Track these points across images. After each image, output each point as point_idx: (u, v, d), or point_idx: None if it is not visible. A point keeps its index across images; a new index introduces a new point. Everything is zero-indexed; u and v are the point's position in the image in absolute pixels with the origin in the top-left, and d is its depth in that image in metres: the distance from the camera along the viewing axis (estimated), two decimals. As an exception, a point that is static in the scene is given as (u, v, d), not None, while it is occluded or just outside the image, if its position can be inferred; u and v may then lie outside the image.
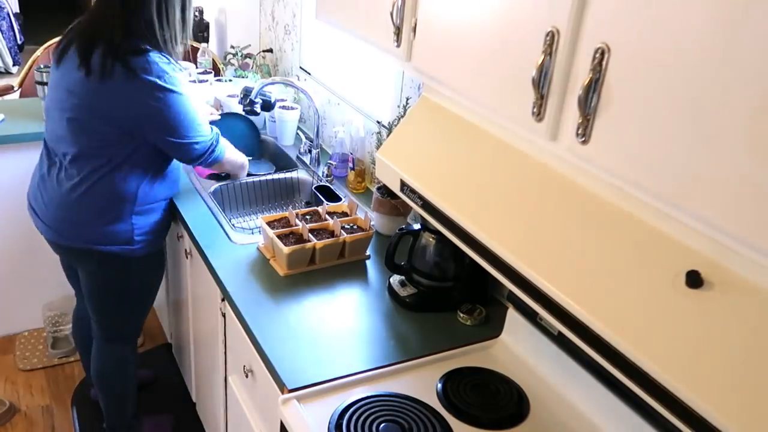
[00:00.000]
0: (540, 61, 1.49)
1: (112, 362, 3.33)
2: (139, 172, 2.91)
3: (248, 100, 3.57)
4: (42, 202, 3.01)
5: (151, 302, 3.35)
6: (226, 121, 3.65)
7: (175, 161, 3.06)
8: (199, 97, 3.04)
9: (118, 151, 2.83)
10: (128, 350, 3.34)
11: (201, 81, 4.33)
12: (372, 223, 2.94)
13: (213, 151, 3.01)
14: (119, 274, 3.09)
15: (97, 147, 2.82)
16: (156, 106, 2.75)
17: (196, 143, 2.92)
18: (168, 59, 2.80)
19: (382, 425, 1.99)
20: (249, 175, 3.46)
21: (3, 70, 4.83)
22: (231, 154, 3.18)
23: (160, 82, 2.72)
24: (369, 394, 2.12)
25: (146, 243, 3.05)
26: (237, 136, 3.67)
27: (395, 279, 2.65)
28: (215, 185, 3.37)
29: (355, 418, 2.02)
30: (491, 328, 2.48)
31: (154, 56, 2.74)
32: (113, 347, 3.31)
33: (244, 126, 3.81)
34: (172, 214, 3.24)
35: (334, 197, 3.31)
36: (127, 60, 2.70)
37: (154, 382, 4.08)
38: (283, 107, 3.93)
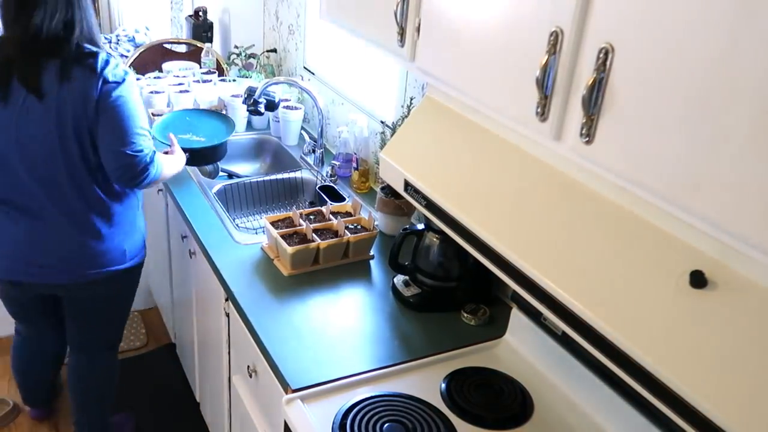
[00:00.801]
0: (544, 61, 1.48)
1: (109, 372, 3.33)
2: None
3: (252, 100, 3.57)
4: (41, 252, 2.83)
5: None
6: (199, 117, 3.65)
7: None
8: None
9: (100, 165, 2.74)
10: (115, 354, 3.35)
11: (205, 81, 4.33)
12: (376, 223, 2.94)
13: (146, 169, 2.71)
14: (126, 286, 3.10)
15: (91, 169, 2.72)
16: (106, 105, 2.62)
17: (129, 156, 2.66)
18: (115, 57, 2.72)
19: (386, 425, 1.99)
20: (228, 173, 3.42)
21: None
22: (168, 167, 2.92)
23: (114, 79, 2.63)
24: (373, 394, 2.12)
25: (145, 247, 3.09)
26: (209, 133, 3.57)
27: (399, 279, 2.65)
28: (219, 185, 3.38)
29: (358, 418, 2.02)
30: (495, 328, 2.47)
31: (106, 55, 2.67)
32: (108, 356, 3.30)
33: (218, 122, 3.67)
34: (168, 208, 3.25)
35: (338, 197, 3.31)
36: (82, 60, 2.61)
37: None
38: (287, 107, 3.92)
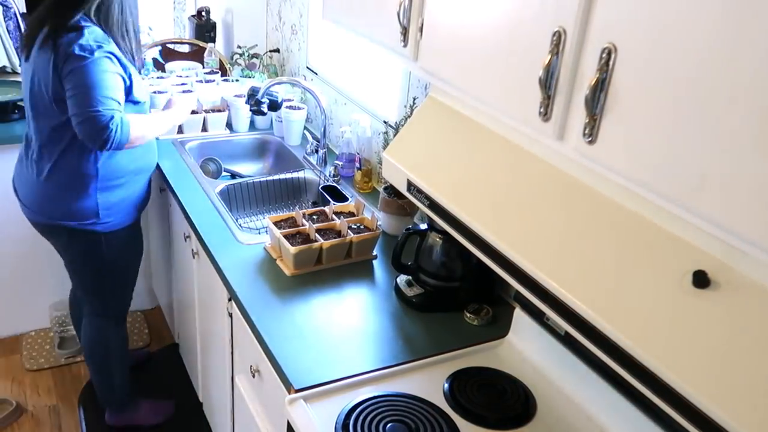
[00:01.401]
0: (547, 61, 1.48)
1: (95, 335, 3.44)
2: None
3: (255, 100, 3.57)
4: (21, 183, 3.16)
5: (132, 279, 3.44)
6: None
7: None
8: (119, 78, 2.95)
9: (69, 129, 2.88)
10: (111, 326, 3.44)
11: (208, 81, 4.33)
12: (379, 223, 2.95)
13: (108, 132, 2.78)
14: (89, 249, 3.18)
15: (54, 128, 2.93)
16: (73, 64, 2.78)
17: (91, 117, 2.76)
18: (106, 35, 2.88)
19: (389, 425, 2.00)
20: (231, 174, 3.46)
21: (10, 70, 4.85)
22: (143, 123, 3.02)
23: (80, 52, 2.77)
24: (376, 394, 2.12)
25: (113, 219, 3.13)
26: None
27: (402, 279, 2.64)
28: (222, 185, 3.38)
29: (361, 418, 2.02)
30: (498, 328, 2.47)
31: (94, 31, 2.84)
32: (97, 321, 3.41)
33: None
34: (171, 207, 3.25)
35: (340, 197, 3.31)
36: (67, 31, 2.80)
37: (149, 360, 4.21)
38: (290, 107, 3.93)
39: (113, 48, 2.86)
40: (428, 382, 2.21)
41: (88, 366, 3.55)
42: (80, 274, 3.32)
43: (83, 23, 2.82)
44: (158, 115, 3.27)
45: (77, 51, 2.75)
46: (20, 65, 3.09)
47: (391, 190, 2.96)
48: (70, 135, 2.89)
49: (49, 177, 3.01)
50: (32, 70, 2.91)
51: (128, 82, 2.93)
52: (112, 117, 2.77)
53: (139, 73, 3.09)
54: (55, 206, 3.05)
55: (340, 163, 3.51)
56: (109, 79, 2.82)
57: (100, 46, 2.80)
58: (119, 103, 2.86)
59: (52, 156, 2.98)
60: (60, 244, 3.25)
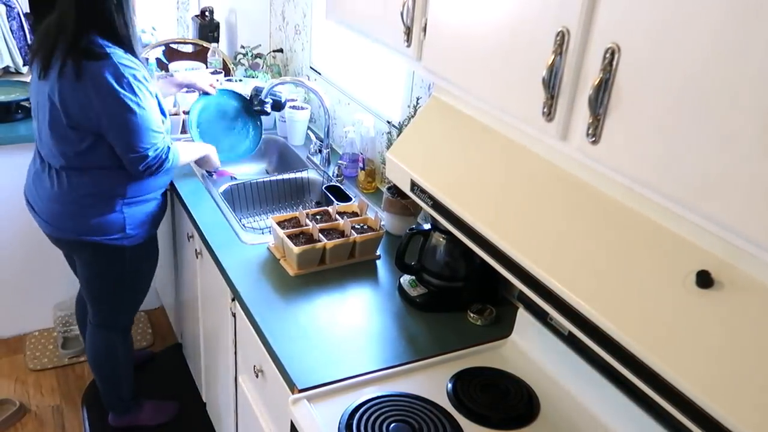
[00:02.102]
0: (550, 61, 1.48)
1: (102, 347, 3.42)
2: (126, 171, 2.95)
3: (258, 100, 3.58)
4: (37, 197, 3.10)
5: (145, 291, 3.42)
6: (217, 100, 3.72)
7: None
8: (155, 101, 2.99)
9: (97, 156, 2.89)
10: (119, 337, 3.42)
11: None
12: (382, 223, 2.94)
13: (161, 165, 2.94)
14: (113, 263, 3.15)
15: (79, 153, 2.88)
16: (107, 112, 2.76)
17: (142, 158, 2.87)
18: (131, 59, 2.82)
19: (392, 425, 2.00)
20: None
21: (13, 70, 4.86)
22: (186, 157, 3.19)
23: (116, 86, 2.73)
24: (379, 394, 2.12)
25: (139, 233, 3.11)
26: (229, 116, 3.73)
27: (405, 279, 2.64)
28: (225, 185, 3.38)
29: (365, 418, 2.02)
30: (501, 328, 2.47)
31: (116, 54, 2.77)
32: (104, 333, 3.39)
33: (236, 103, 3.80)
34: (174, 207, 3.26)
35: (344, 197, 3.31)
36: (88, 56, 2.73)
37: (152, 360, 4.21)
38: (294, 107, 3.93)
39: (139, 66, 2.83)
40: (431, 382, 2.21)
41: (94, 375, 3.53)
42: (97, 288, 3.27)
43: (105, 46, 2.76)
44: (198, 145, 3.35)
45: (114, 83, 2.72)
46: (31, 76, 3.00)
47: (394, 190, 2.96)
48: (98, 158, 2.89)
49: (74, 193, 2.96)
50: (47, 92, 2.82)
51: (156, 99, 2.94)
52: (168, 149, 2.94)
53: None
54: (80, 222, 3.00)
55: (344, 162, 3.51)
56: (150, 109, 2.85)
57: (133, 75, 2.77)
58: (162, 123, 2.94)
59: (81, 176, 2.94)
60: (82, 259, 3.19)
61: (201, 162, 3.37)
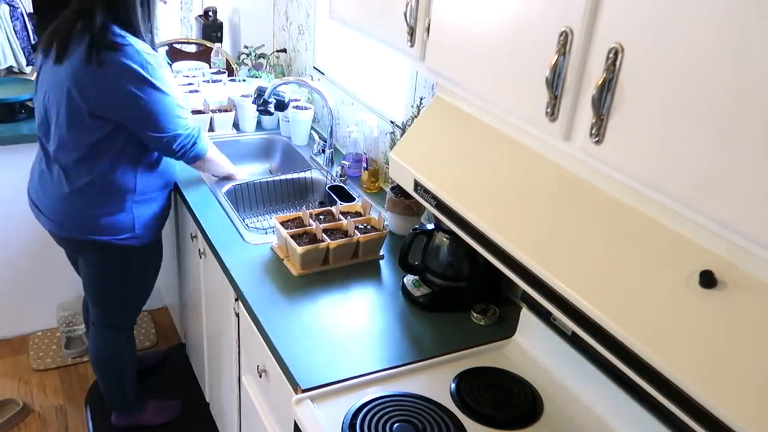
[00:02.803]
0: (554, 61, 1.48)
1: (106, 347, 3.42)
2: (137, 163, 2.97)
3: (262, 100, 3.58)
4: (43, 196, 3.08)
5: (149, 292, 3.43)
6: None
7: None
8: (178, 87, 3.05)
9: (113, 145, 2.89)
10: (122, 338, 3.43)
11: (214, 81, 4.33)
12: (386, 223, 2.94)
13: (194, 145, 3.02)
14: (120, 264, 3.16)
15: (99, 141, 2.87)
16: (136, 95, 2.78)
17: (175, 137, 2.93)
18: (149, 49, 2.85)
19: (396, 425, 2.00)
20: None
21: (17, 70, 4.87)
22: (215, 153, 3.24)
23: (142, 71, 2.76)
24: (382, 394, 2.12)
25: (146, 234, 3.12)
26: None
27: (409, 279, 2.64)
28: (229, 185, 3.38)
29: (368, 418, 2.02)
30: (505, 328, 2.47)
31: (137, 43, 2.79)
32: (108, 333, 3.40)
33: None
34: (178, 207, 3.27)
35: (347, 197, 3.31)
36: (109, 46, 2.74)
37: (163, 362, 4.18)
38: (297, 107, 3.93)
39: (157, 55, 2.86)
40: (435, 382, 2.21)
41: (97, 375, 3.53)
42: (101, 288, 3.26)
43: (124, 36, 2.78)
44: (227, 161, 3.38)
45: (138, 69, 2.75)
46: (39, 65, 3.01)
47: (398, 190, 2.96)
48: (115, 148, 2.90)
49: (83, 191, 2.95)
50: (63, 79, 2.82)
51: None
52: (199, 129, 3.04)
53: None
54: (89, 221, 3.00)
55: (347, 162, 3.51)
56: (175, 92, 2.90)
57: (155, 60, 2.82)
58: (185, 109, 2.99)
59: (93, 169, 2.92)
60: (89, 260, 3.18)
61: (218, 170, 3.38)
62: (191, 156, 3.04)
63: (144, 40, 2.85)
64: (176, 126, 2.90)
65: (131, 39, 2.78)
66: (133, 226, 3.03)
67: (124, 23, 2.80)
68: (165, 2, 5.47)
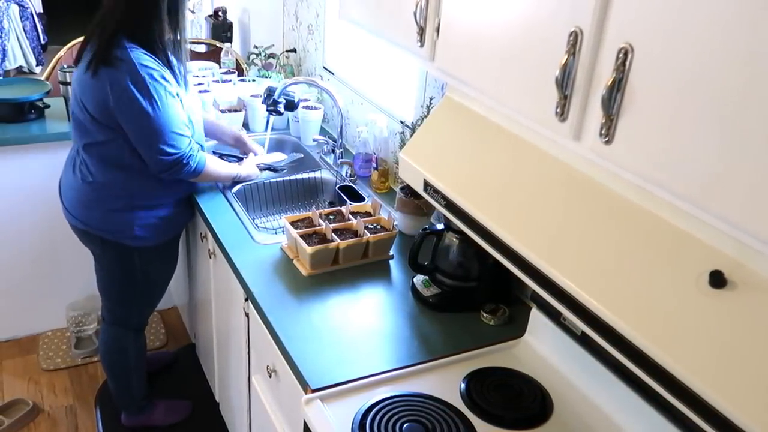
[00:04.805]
0: (563, 61, 1.48)
1: (112, 344, 3.45)
2: (139, 168, 2.97)
3: (272, 100, 3.58)
4: (66, 187, 3.16)
5: (159, 296, 3.45)
6: None
7: None
8: (192, 102, 3.07)
9: (116, 152, 2.92)
10: (128, 337, 3.44)
11: (224, 81, 4.34)
12: (395, 223, 2.94)
13: (185, 165, 2.93)
14: (121, 262, 3.19)
15: (101, 144, 2.93)
16: (121, 110, 2.80)
17: (161, 156, 2.87)
18: (152, 60, 2.82)
19: (406, 425, 2.00)
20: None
21: (27, 70, 4.88)
22: (215, 167, 3.13)
23: (132, 88, 2.76)
24: (392, 394, 2.12)
25: (148, 236, 3.12)
26: None
27: (419, 279, 2.64)
28: (239, 186, 3.38)
29: (378, 418, 2.02)
30: (514, 328, 2.47)
31: (140, 58, 2.78)
32: (115, 330, 3.43)
33: None
34: (193, 213, 3.26)
35: (357, 197, 3.31)
36: (105, 60, 2.76)
37: (173, 362, 4.19)
38: (307, 107, 3.93)
39: (159, 68, 2.83)
40: (445, 382, 2.21)
41: (106, 373, 3.56)
42: (106, 282, 3.32)
43: (129, 48, 2.77)
44: (230, 166, 3.30)
45: (130, 86, 2.75)
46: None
47: (407, 190, 2.96)
48: (114, 154, 2.94)
49: (91, 185, 3.01)
50: (74, 82, 2.94)
51: (179, 101, 2.94)
52: (190, 154, 2.94)
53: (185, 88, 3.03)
54: (92, 214, 3.06)
55: (350, 162, 3.51)
56: (169, 110, 2.85)
57: (150, 75, 2.78)
58: (187, 126, 2.94)
59: (99, 169, 2.98)
60: (92, 251, 3.27)
61: (223, 180, 3.33)
62: (184, 175, 2.98)
63: (157, 56, 2.83)
64: (164, 146, 2.86)
65: (137, 54, 2.77)
66: (132, 227, 3.06)
67: (136, 36, 2.79)
68: (193, 12, 5.47)
